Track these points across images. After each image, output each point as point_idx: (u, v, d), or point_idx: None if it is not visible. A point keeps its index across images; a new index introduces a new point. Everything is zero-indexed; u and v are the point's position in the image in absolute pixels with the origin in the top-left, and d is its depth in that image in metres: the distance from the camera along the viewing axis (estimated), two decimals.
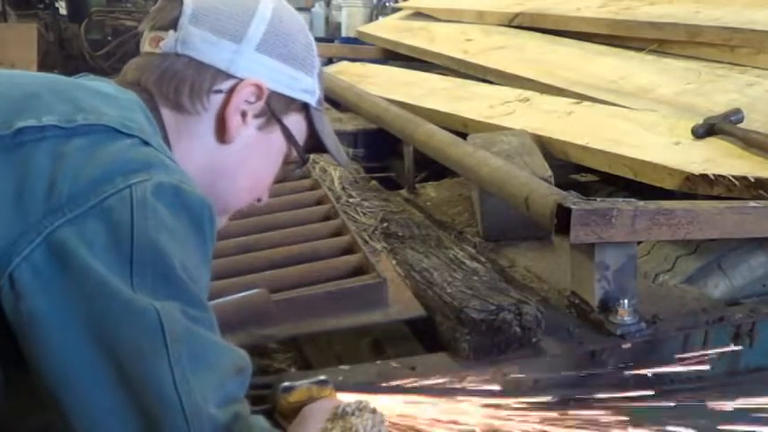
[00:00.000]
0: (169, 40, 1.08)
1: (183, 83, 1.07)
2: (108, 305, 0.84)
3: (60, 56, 6.59)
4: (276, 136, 1.15)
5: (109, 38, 6.59)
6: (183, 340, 0.86)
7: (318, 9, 8.86)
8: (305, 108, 1.18)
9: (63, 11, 7.04)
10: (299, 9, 8.74)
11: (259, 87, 1.09)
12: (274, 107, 1.13)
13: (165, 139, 1.06)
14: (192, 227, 0.93)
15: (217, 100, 1.09)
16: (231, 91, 1.09)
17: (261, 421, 0.95)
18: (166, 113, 1.08)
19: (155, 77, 1.08)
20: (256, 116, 1.12)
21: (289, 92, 1.14)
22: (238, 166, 1.13)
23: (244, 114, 1.10)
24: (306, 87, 1.16)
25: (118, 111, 0.97)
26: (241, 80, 1.09)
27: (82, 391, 0.84)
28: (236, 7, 1.10)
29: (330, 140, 1.23)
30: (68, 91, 0.99)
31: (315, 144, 1.21)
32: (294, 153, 1.19)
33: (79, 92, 0.99)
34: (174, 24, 1.09)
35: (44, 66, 5.59)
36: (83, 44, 6.64)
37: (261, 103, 1.11)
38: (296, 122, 1.17)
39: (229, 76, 1.09)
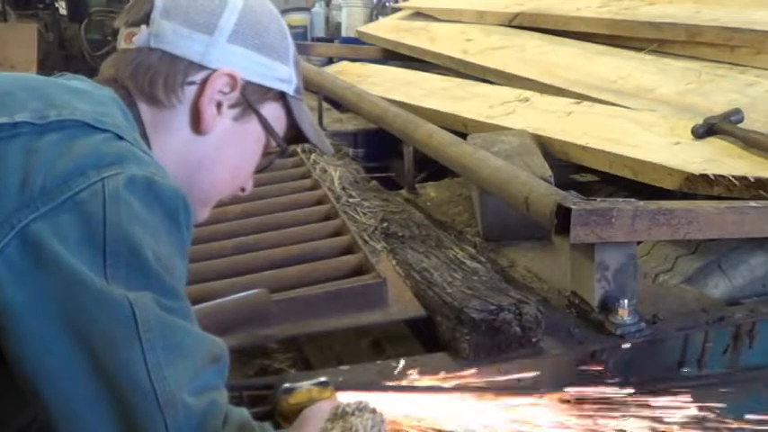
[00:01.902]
0: (142, 35, 1.09)
1: (157, 76, 1.08)
2: (81, 297, 0.85)
3: (60, 56, 6.59)
4: (253, 126, 1.16)
5: (109, 38, 6.58)
6: (156, 330, 0.87)
7: (318, 9, 8.84)
8: (282, 97, 1.18)
9: (63, 11, 7.03)
10: (299, 9, 8.74)
11: (232, 77, 1.10)
12: (250, 97, 1.13)
13: (143, 133, 1.07)
14: (166, 218, 0.93)
15: (191, 92, 1.09)
16: (204, 82, 1.09)
17: (240, 411, 0.95)
18: (143, 108, 1.08)
19: (129, 72, 1.09)
20: (232, 106, 1.12)
21: (264, 81, 1.14)
22: (216, 156, 1.14)
23: (219, 105, 1.11)
24: (282, 76, 1.16)
25: (91, 106, 0.98)
26: (214, 71, 1.09)
27: (58, 382, 0.85)
28: None
29: (310, 129, 1.23)
30: (41, 88, 1.00)
31: (295, 133, 1.22)
32: (274, 143, 1.19)
33: (52, 89, 1.00)
34: (146, 19, 1.09)
35: (44, 66, 5.58)
36: (83, 44, 6.64)
37: (236, 94, 1.11)
38: (273, 112, 1.17)
39: (202, 68, 1.09)
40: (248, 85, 1.12)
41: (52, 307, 0.85)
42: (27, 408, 0.97)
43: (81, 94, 1.00)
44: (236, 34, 1.11)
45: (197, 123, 1.10)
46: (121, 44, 1.12)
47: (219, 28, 1.09)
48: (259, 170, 1.22)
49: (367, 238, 1.97)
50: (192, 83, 1.09)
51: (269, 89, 1.15)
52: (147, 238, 0.89)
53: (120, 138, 0.96)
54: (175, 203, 0.95)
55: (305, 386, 1.19)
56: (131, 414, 0.85)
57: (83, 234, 0.87)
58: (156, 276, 0.89)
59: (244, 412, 0.96)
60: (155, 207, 0.92)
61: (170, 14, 1.09)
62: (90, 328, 0.85)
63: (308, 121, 1.22)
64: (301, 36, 7.89)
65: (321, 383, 1.20)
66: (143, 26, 1.09)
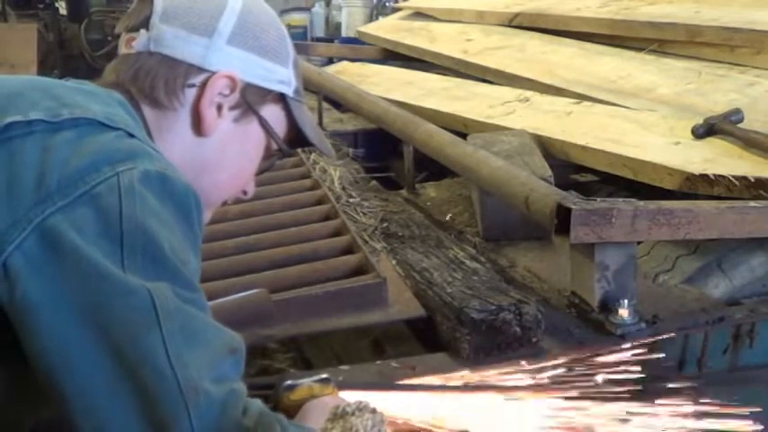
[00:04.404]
0: (141, 39, 1.10)
1: (158, 79, 1.09)
2: (100, 287, 0.86)
3: (60, 56, 6.59)
4: (254, 128, 1.16)
5: (109, 38, 6.57)
6: (175, 318, 0.88)
7: (318, 9, 8.85)
8: (282, 99, 1.18)
9: (63, 11, 7.03)
10: (299, 9, 8.74)
11: (232, 79, 1.11)
12: (250, 99, 1.14)
13: (149, 134, 1.08)
14: (179, 213, 0.95)
15: (191, 94, 1.10)
16: (204, 84, 1.10)
17: (257, 402, 0.96)
18: (147, 110, 1.10)
19: (130, 76, 1.10)
20: (232, 108, 1.13)
21: (263, 83, 1.15)
22: (218, 158, 1.15)
23: (219, 107, 1.12)
24: (281, 78, 1.17)
25: (101, 106, 1.00)
26: (213, 73, 1.10)
27: (78, 373, 0.86)
28: (206, 2, 1.12)
29: (311, 130, 1.23)
30: (51, 89, 1.01)
31: (296, 135, 1.22)
32: (275, 145, 1.20)
33: (62, 89, 1.02)
34: (145, 24, 1.10)
35: (44, 66, 5.59)
36: (83, 44, 6.64)
37: (235, 95, 1.12)
38: (274, 114, 1.18)
39: (202, 70, 1.10)
40: (248, 87, 1.13)
41: (71, 299, 0.86)
42: (40, 408, 0.98)
43: (89, 95, 1.02)
44: (234, 37, 1.11)
45: (198, 125, 1.11)
46: (122, 49, 1.13)
47: (218, 31, 1.10)
48: (260, 172, 1.23)
49: (367, 238, 1.97)
50: (192, 85, 1.10)
51: (269, 91, 1.16)
52: (163, 231, 0.91)
53: (132, 135, 0.98)
54: (187, 199, 0.96)
55: (306, 383, 1.19)
56: (153, 403, 0.86)
57: (100, 227, 0.88)
58: (172, 268, 0.91)
59: (260, 403, 0.96)
60: (167, 202, 0.93)
61: (169, 18, 1.10)
62: (110, 318, 0.86)
63: (308, 123, 1.23)
64: (301, 36, 7.90)
65: (322, 380, 1.20)
66: (143, 30, 1.10)
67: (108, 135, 0.95)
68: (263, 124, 1.16)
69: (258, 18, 1.15)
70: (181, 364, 0.86)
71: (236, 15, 1.12)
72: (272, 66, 1.15)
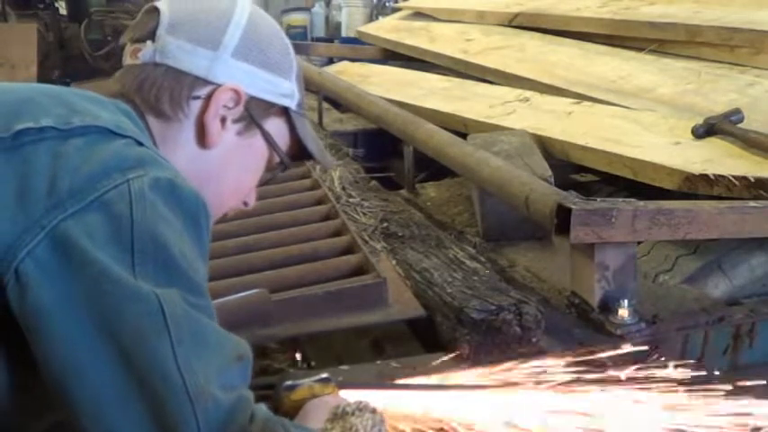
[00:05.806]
0: (147, 51, 1.10)
1: (163, 91, 1.09)
2: (110, 293, 0.87)
3: (60, 56, 6.58)
4: (257, 140, 1.17)
5: (109, 38, 6.56)
6: (184, 324, 0.89)
7: (318, 9, 8.84)
8: (285, 112, 1.19)
9: (63, 11, 7.03)
10: (299, 9, 8.74)
11: (237, 92, 1.11)
12: (253, 112, 1.14)
13: (154, 144, 1.09)
14: (188, 220, 0.96)
15: (196, 106, 1.11)
16: (209, 97, 1.10)
17: (262, 407, 0.97)
18: (151, 121, 1.10)
19: (135, 87, 1.10)
20: (236, 121, 1.14)
21: (267, 96, 1.15)
22: (221, 170, 1.15)
23: (223, 120, 1.12)
24: (284, 92, 1.17)
25: (110, 114, 1.01)
26: (219, 86, 1.10)
27: (87, 378, 0.86)
28: (212, 15, 1.12)
29: (313, 144, 1.24)
30: (62, 96, 1.02)
31: (298, 148, 1.23)
32: (277, 158, 1.21)
33: (72, 97, 1.03)
34: (151, 35, 1.11)
35: (44, 66, 5.58)
36: (83, 44, 6.62)
37: (240, 108, 1.13)
38: (277, 127, 1.19)
39: (207, 83, 1.10)
40: (252, 100, 1.14)
41: (81, 304, 0.87)
42: (44, 413, 0.98)
43: (98, 103, 1.03)
44: (240, 50, 1.12)
45: (202, 137, 1.12)
46: (127, 60, 1.13)
47: (224, 44, 1.11)
48: (261, 184, 1.24)
49: (367, 238, 1.97)
50: (197, 97, 1.11)
51: (272, 104, 1.16)
52: (173, 237, 0.92)
53: (140, 144, 0.99)
54: (196, 206, 0.97)
55: (306, 383, 1.19)
56: (162, 408, 0.86)
57: (111, 233, 0.89)
58: (182, 274, 0.92)
59: (266, 409, 0.97)
60: (177, 209, 0.94)
61: (175, 30, 1.10)
62: (119, 324, 0.87)
63: (310, 136, 1.24)
64: (301, 36, 7.90)
65: (322, 380, 1.20)
66: (149, 42, 1.11)
67: (117, 143, 0.96)
68: (267, 137, 1.17)
69: (263, 32, 1.15)
70: (189, 370, 0.87)
71: (241, 29, 1.12)
72: (276, 79, 1.16)
